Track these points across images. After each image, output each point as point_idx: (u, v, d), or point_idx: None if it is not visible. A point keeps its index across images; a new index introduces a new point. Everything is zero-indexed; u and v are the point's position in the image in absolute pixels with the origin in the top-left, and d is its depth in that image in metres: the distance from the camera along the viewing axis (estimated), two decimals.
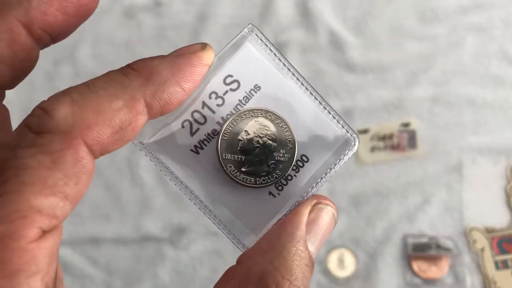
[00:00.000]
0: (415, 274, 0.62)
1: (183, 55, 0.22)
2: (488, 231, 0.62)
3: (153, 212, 0.64)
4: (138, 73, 0.20)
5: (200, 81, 0.22)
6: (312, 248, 0.22)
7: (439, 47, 0.67)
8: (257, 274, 0.21)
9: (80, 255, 0.63)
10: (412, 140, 0.64)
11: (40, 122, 0.18)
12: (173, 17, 0.69)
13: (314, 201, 0.24)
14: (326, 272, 0.62)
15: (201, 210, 0.25)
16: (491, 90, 0.66)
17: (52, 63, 0.68)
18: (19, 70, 0.21)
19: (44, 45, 0.22)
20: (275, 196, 0.25)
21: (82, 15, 0.22)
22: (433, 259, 0.61)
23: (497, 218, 0.63)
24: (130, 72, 0.20)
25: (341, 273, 0.62)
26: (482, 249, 0.62)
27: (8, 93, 0.22)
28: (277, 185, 0.25)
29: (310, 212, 0.23)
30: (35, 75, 0.67)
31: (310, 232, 0.23)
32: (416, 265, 0.62)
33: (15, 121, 0.20)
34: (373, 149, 0.64)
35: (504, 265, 0.61)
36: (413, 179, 0.64)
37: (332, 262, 0.62)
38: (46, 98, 0.19)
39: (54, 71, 0.68)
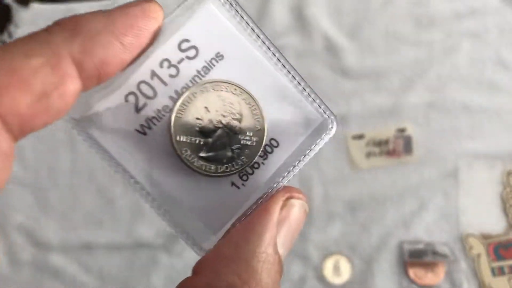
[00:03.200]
0: (411, 280, 0.61)
1: (120, 6, 0.18)
2: (484, 237, 0.62)
3: (146, 218, 0.63)
4: (63, 27, 0.16)
5: (146, 40, 0.19)
6: (282, 250, 0.20)
7: (434, 53, 0.67)
8: None
9: (72, 262, 0.62)
10: (407, 146, 0.64)
11: None
12: None
13: (286, 195, 0.20)
14: (321, 279, 0.61)
15: (149, 204, 0.21)
16: (486, 96, 0.66)
17: None
18: None
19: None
20: (238, 188, 0.21)
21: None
22: (430, 266, 0.61)
23: (493, 224, 0.62)
24: (54, 27, 0.16)
25: (336, 280, 0.61)
26: (479, 255, 0.61)
27: None
28: (241, 175, 0.21)
29: (281, 208, 0.20)
30: None
31: (280, 232, 0.20)
32: (412, 272, 0.61)
33: None
34: (368, 154, 0.64)
35: (500, 271, 0.61)
36: (409, 185, 0.64)
37: (328, 269, 0.61)
38: None
39: None
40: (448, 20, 0.68)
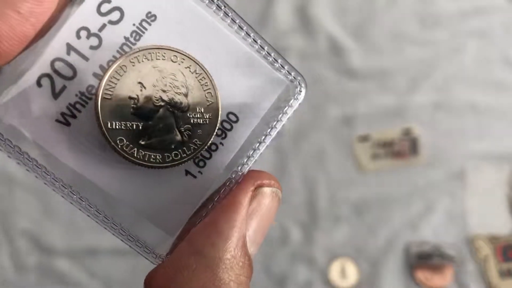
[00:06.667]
0: (418, 283, 0.61)
1: None
2: (492, 238, 0.61)
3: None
4: None
5: (53, 5, 0.14)
6: (252, 248, 0.17)
7: (440, 53, 0.66)
8: None
9: (77, 267, 0.62)
10: (414, 148, 0.64)
11: None
12: None
13: (256, 183, 0.17)
14: (328, 283, 0.61)
15: (84, 212, 0.17)
16: (493, 96, 0.65)
17: None
18: None
19: None
20: (195, 177, 0.17)
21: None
22: (437, 268, 0.61)
23: (501, 226, 0.62)
24: None
25: (343, 284, 0.61)
26: (486, 257, 0.61)
27: None
28: (196, 160, 0.17)
29: (251, 200, 0.17)
30: None
31: (250, 228, 0.16)
32: (420, 274, 0.61)
33: None
34: (374, 156, 0.64)
35: (508, 273, 0.60)
36: (416, 186, 0.63)
37: (334, 272, 0.61)
38: None
39: None
40: (453, 19, 0.67)
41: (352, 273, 0.61)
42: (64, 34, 0.16)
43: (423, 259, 0.60)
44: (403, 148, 0.64)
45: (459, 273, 0.61)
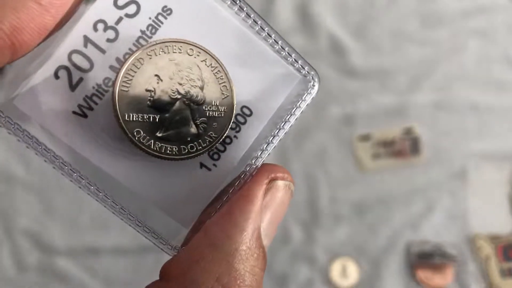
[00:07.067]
0: (419, 282, 0.61)
1: None
2: (493, 238, 0.61)
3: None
4: None
5: None
6: (266, 241, 0.17)
7: (441, 52, 0.66)
8: None
9: (79, 266, 0.62)
10: (415, 146, 0.64)
11: None
12: None
13: (270, 177, 0.17)
14: (328, 282, 0.61)
15: (101, 203, 0.17)
16: (494, 95, 0.65)
17: None
18: None
19: None
20: (210, 169, 0.18)
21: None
22: (438, 267, 0.61)
23: (502, 225, 0.62)
24: None
25: (344, 283, 0.61)
26: (487, 257, 0.61)
27: None
28: (211, 153, 0.18)
29: (265, 192, 0.17)
30: None
31: (264, 220, 0.17)
32: (420, 274, 0.61)
33: None
34: (375, 156, 0.64)
35: (509, 272, 0.60)
36: (416, 186, 0.63)
37: (335, 271, 0.61)
38: None
39: None
40: (455, 18, 0.67)
41: (353, 272, 0.61)
42: (81, 26, 0.16)
43: (424, 259, 0.60)
44: (404, 147, 0.64)
45: (459, 273, 0.61)
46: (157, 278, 0.61)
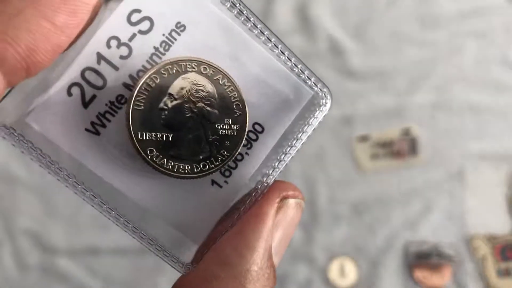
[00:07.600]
0: (417, 282, 0.61)
1: None
2: (490, 238, 0.62)
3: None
4: None
5: (85, 16, 0.14)
6: (276, 259, 0.17)
7: (439, 53, 0.67)
8: None
9: (79, 266, 0.62)
10: (413, 147, 0.64)
11: None
12: None
13: (282, 195, 0.17)
14: (327, 282, 0.61)
15: (113, 221, 0.17)
16: (492, 96, 0.65)
17: None
18: None
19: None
20: (221, 186, 0.17)
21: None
22: (435, 267, 0.61)
23: (499, 225, 0.62)
24: None
25: (342, 283, 0.61)
26: (484, 257, 0.61)
27: None
28: (223, 170, 0.17)
29: (276, 211, 0.17)
30: None
31: (275, 239, 0.17)
32: (418, 273, 0.61)
33: None
34: (373, 156, 0.64)
35: (506, 272, 0.61)
36: (414, 186, 0.63)
37: (333, 271, 0.61)
38: None
39: None
40: (453, 19, 0.67)
41: (352, 272, 0.61)
42: (95, 43, 0.16)
43: (422, 259, 0.61)
44: (403, 148, 0.64)
45: (457, 273, 0.61)
46: (157, 278, 0.61)
